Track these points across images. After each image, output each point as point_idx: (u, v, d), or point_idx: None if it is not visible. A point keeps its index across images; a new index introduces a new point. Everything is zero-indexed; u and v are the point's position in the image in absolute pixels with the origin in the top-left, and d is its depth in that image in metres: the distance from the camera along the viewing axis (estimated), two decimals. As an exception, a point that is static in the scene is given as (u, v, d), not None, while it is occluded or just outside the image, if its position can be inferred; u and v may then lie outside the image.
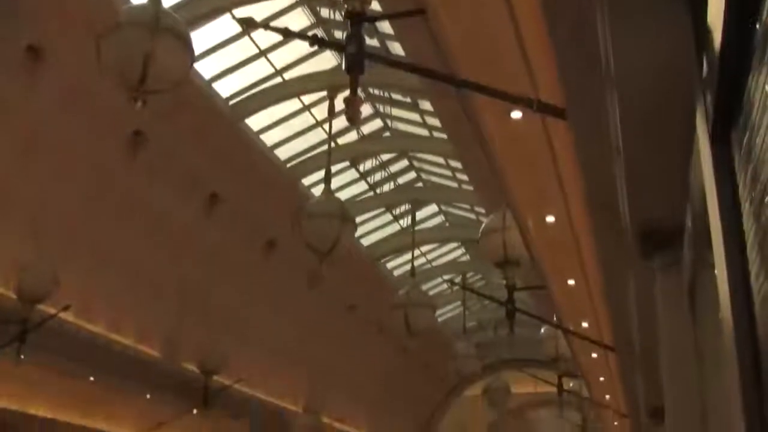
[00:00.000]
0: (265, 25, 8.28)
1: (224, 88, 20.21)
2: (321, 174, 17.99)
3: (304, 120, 22.61)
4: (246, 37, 19.16)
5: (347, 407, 32.05)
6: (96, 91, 16.27)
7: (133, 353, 21.09)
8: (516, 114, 6.56)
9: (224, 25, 18.45)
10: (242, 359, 23.98)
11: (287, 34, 7.96)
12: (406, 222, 27.56)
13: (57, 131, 17.22)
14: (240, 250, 23.14)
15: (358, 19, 6.43)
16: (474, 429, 44.64)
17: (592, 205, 7.31)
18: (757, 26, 2.32)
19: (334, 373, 30.21)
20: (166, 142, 19.35)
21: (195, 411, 22.53)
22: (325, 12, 19.15)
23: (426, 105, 22.00)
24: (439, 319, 33.39)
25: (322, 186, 12.64)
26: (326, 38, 15.73)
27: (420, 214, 26.88)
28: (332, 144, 15.79)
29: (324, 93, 19.26)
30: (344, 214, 11.44)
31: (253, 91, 20.80)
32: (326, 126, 18.41)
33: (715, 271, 2.82)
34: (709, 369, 5.30)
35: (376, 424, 33.70)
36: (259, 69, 20.43)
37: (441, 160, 25.99)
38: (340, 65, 6.70)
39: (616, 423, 23.28)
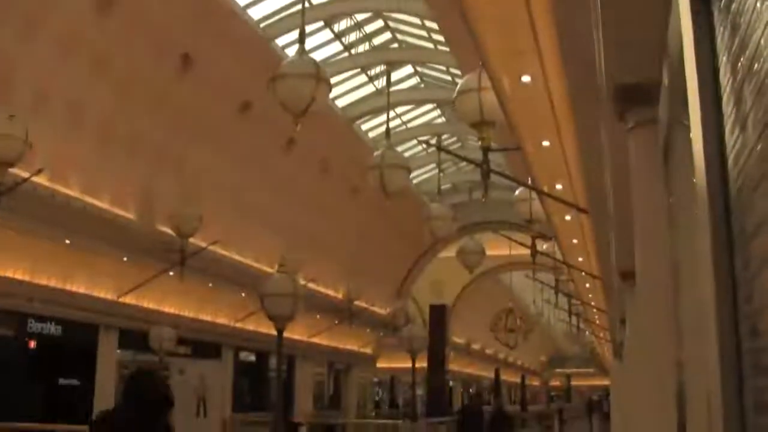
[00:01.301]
0: None
1: (194, -54, 19.72)
2: (295, 34, 17.72)
3: (277, -22, 22.18)
4: None
5: (323, 269, 32.40)
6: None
7: (109, 216, 21.12)
8: (492, -30, 6.41)
9: None
10: (217, 221, 24.07)
11: None
12: (381, 83, 27.32)
13: (23, -10, 16.83)
14: (214, 111, 22.96)
15: None
16: (449, 290, 45.46)
17: (569, 63, 7.24)
18: None
19: (310, 235, 30.44)
20: (138, 2, 18.95)
21: (171, 273, 22.69)
22: None
23: (401, -37, 21.55)
24: (414, 181, 33.54)
25: (296, 46, 12.42)
26: None
27: (395, 75, 26.67)
28: (306, 3, 15.44)
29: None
30: (319, 74, 11.28)
31: (224, -52, 20.31)
32: (300, -15, 18.00)
33: (690, 126, 2.79)
34: (682, 231, 5.33)
35: (352, 285, 34.14)
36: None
37: (416, 20, 25.60)
38: None
39: (587, 285, 23.68)
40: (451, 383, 54.68)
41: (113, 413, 6.16)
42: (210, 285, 26.66)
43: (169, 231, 22.06)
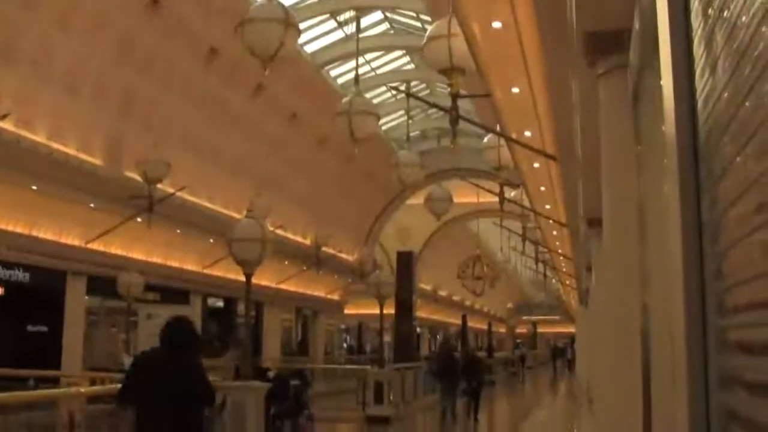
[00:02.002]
0: None
1: None
2: (263, -21, 17.49)
3: None
4: None
5: (291, 216, 32.41)
6: None
7: (76, 162, 20.95)
8: None
9: None
10: (185, 168, 23.95)
11: None
12: (350, 29, 27.11)
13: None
14: (182, 57, 22.74)
15: None
16: (416, 237, 45.59)
17: (540, 9, 7.22)
18: None
19: (278, 182, 30.38)
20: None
21: (139, 219, 22.62)
22: None
23: None
24: (383, 128, 33.48)
25: (264, -9, 12.28)
26: None
27: (365, 21, 26.45)
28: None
29: None
30: (288, 19, 11.21)
31: None
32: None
33: (660, 71, 2.80)
34: (649, 178, 5.35)
35: (321, 231, 34.18)
36: None
37: (386, -35, 25.40)
38: None
39: (555, 233, 23.86)
40: (418, 330, 55.00)
41: (151, 354, 7.35)
42: (178, 231, 26.61)
43: (137, 177, 21.93)
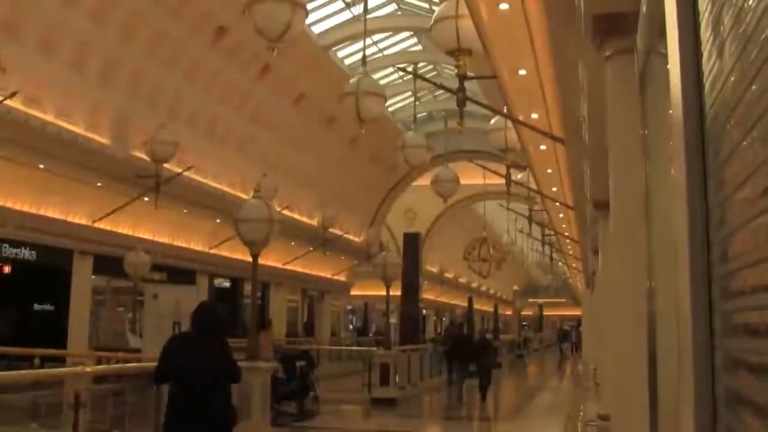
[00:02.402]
0: None
1: None
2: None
3: None
4: None
5: (298, 196, 32.41)
6: None
7: (84, 141, 20.97)
8: None
9: None
10: (192, 148, 23.98)
11: None
12: (358, 10, 27.03)
13: None
14: (189, 37, 22.70)
15: None
16: (423, 219, 45.61)
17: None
18: None
19: (285, 162, 30.39)
20: None
21: (146, 198, 22.63)
22: None
23: None
24: (390, 109, 33.43)
25: (272, -29, 12.22)
26: None
27: (372, 2, 26.40)
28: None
29: None
30: (295, 0, 11.18)
31: None
32: None
33: (667, 55, 2.79)
34: (656, 162, 5.28)
35: (327, 212, 34.20)
36: None
37: (395, -54, 25.30)
38: None
39: (561, 215, 23.80)
40: (424, 312, 55.08)
41: (183, 336, 8.41)
42: (185, 211, 26.63)
43: (144, 156, 21.94)
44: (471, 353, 24.44)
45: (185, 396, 7.53)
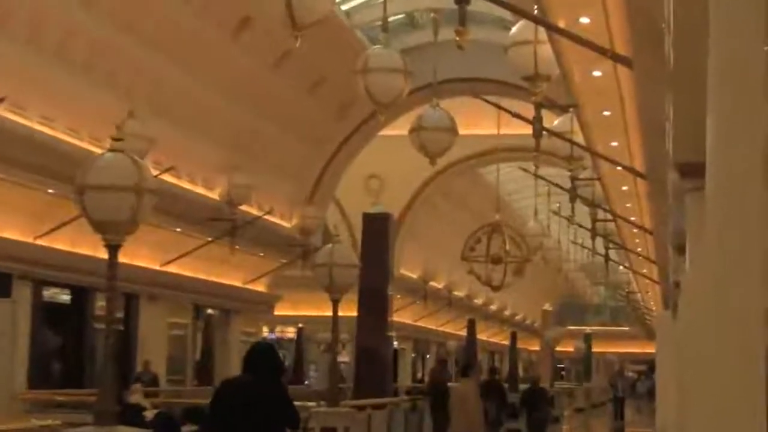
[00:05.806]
0: None
1: None
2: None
3: None
4: None
5: (191, 151, 25.46)
6: None
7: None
8: None
9: None
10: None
11: None
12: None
13: None
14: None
15: None
16: (394, 191, 34.56)
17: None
18: None
19: (169, 92, 24.63)
20: None
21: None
22: None
23: None
24: (344, 8, 25.00)
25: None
26: None
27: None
28: None
29: None
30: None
31: None
32: None
33: None
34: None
35: (237, 179, 29.55)
36: None
37: None
38: None
39: (625, 188, 17.14)
40: (396, 344, 38.80)
41: (235, 380, 8.38)
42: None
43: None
44: (522, 403, 21.99)
45: None
